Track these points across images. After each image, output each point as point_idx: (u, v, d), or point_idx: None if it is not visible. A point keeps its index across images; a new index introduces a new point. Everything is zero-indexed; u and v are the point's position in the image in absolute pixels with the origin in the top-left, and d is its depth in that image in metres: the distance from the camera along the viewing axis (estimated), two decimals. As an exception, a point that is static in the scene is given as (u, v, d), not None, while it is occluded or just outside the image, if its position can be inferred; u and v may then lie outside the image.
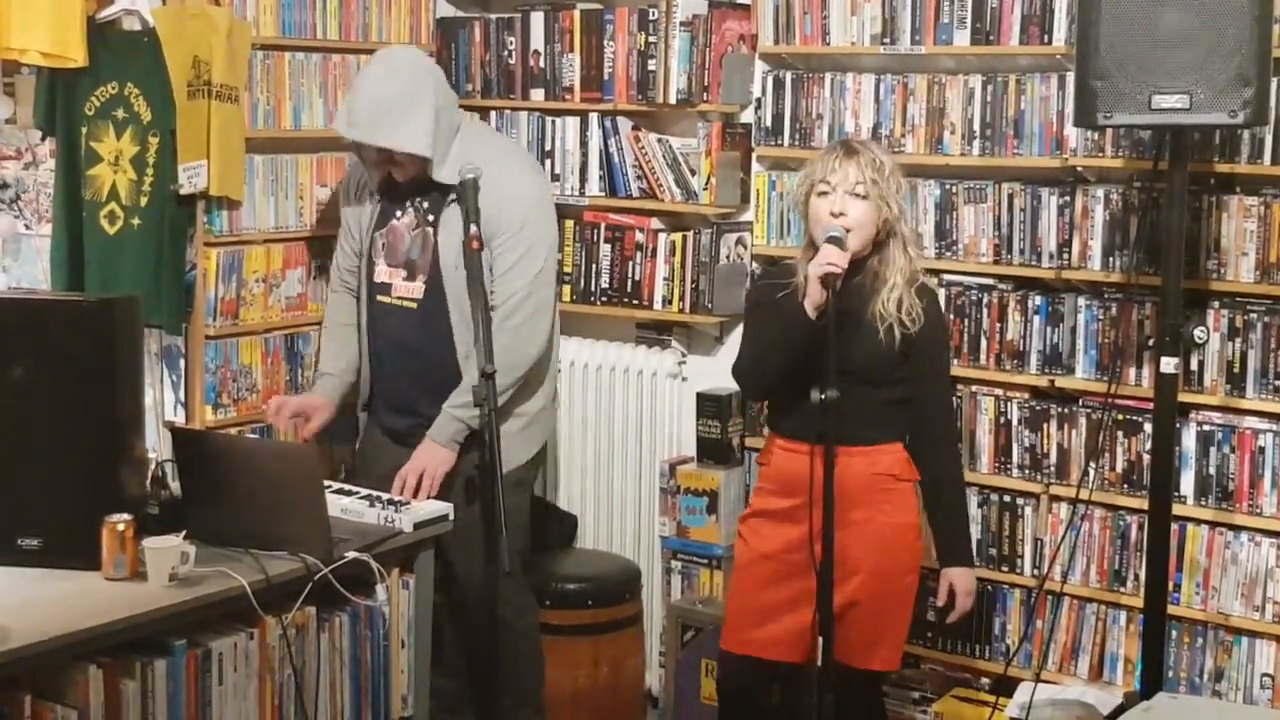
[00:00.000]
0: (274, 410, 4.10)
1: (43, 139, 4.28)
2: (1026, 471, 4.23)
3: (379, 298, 4.10)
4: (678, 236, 4.72)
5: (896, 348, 3.53)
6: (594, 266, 4.87)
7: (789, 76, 4.53)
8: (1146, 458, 3.97)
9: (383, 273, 4.09)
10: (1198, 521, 3.98)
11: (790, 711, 3.83)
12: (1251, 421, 3.92)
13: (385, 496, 3.67)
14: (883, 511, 3.56)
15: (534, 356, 4.00)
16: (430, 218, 4.03)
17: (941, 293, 4.23)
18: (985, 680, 4.30)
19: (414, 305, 4.04)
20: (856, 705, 3.70)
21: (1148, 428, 3.97)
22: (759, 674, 3.72)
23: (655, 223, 4.79)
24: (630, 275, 4.81)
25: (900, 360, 3.56)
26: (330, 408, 4.14)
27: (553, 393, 4.24)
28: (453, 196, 3.90)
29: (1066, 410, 4.16)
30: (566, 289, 4.89)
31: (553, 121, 4.92)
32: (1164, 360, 3.62)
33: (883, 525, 3.56)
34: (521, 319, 3.94)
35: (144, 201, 4.17)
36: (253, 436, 4.32)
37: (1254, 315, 3.90)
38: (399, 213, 4.08)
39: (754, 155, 4.69)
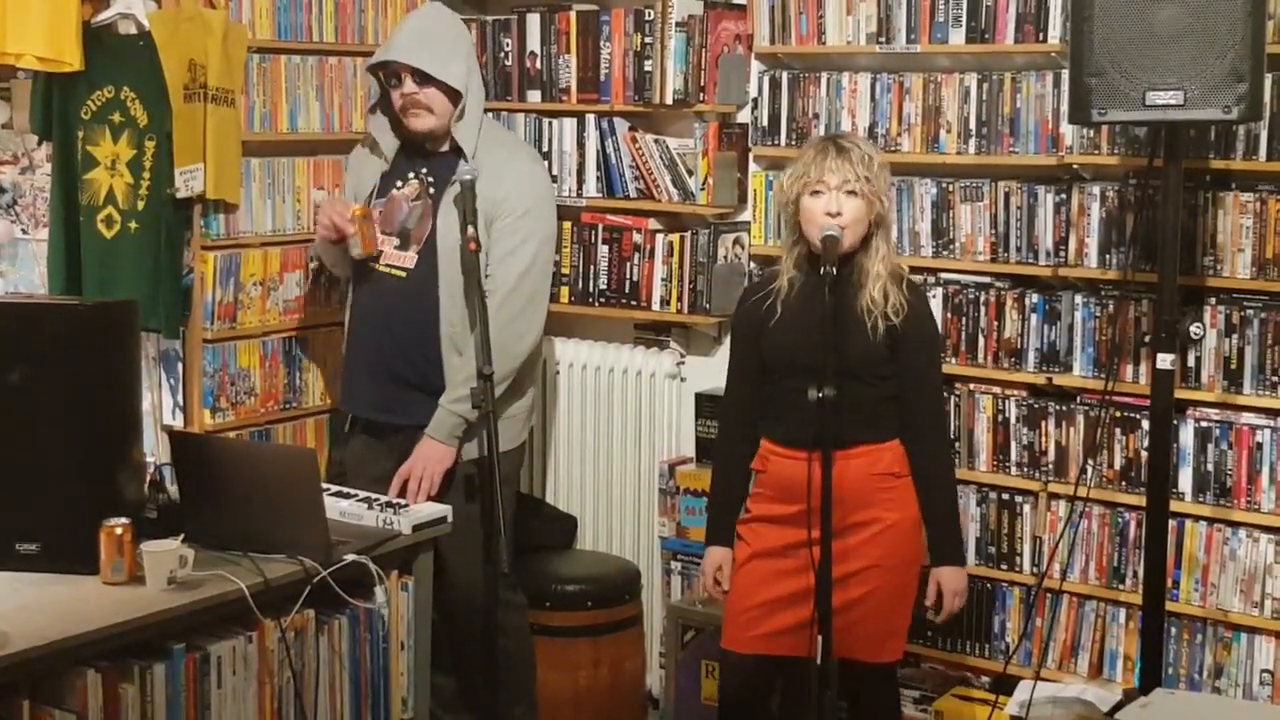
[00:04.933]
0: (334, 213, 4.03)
1: (39, 143, 4.29)
2: (1025, 469, 4.23)
3: (369, 264, 4.09)
4: (675, 237, 4.72)
5: (883, 341, 3.54)
6: (592, 267, 4.87)
7: (785, 76, 4.53)
8: (1144, 454, 3.96)
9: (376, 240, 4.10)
10: (1196, 518, 3.99)
11: (792, 711, 3.83)
12: (1249, 417, 3.92)
13: (383, 499, 3.67)
14: (886, 510, 3.56)
15: (527, 350, 4.00)
16: (433, 191, 4.03)
17: (939, 291, 4.25)
18: (985, 678, 4.30)
19: (403, 274, 4.03)
20: (874, 698, 3.72)
21: (1145, 424, 3.96)
22: (761, 673, 3.71)
23: (653, 223, 4.79)
24: (628, 276, 4.81)
25: (889, 355, 3.56)
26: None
27: (535, 394, 4.27)
28: (456, 180, 3.91)
29: (1064, 408, 4.16)
30: (564, 290, 4.89)
31: (549, 123, 4.92)
32: (1161, 357, 3.63)
33: (887, 523, 3.56)
34: (514, 310, 3.94)
35: (141, 205, 4.18)
36: (251, 440, 4.32)
37: (1250, 311, 3.90)
38: (400, 182, 4.09)
39: (751, 155, 4.69)
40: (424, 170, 4.06)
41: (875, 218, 3.56)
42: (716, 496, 3.87)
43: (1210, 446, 3.96)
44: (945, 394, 4.05)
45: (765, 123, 4.58)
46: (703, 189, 4.63)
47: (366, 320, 4.09)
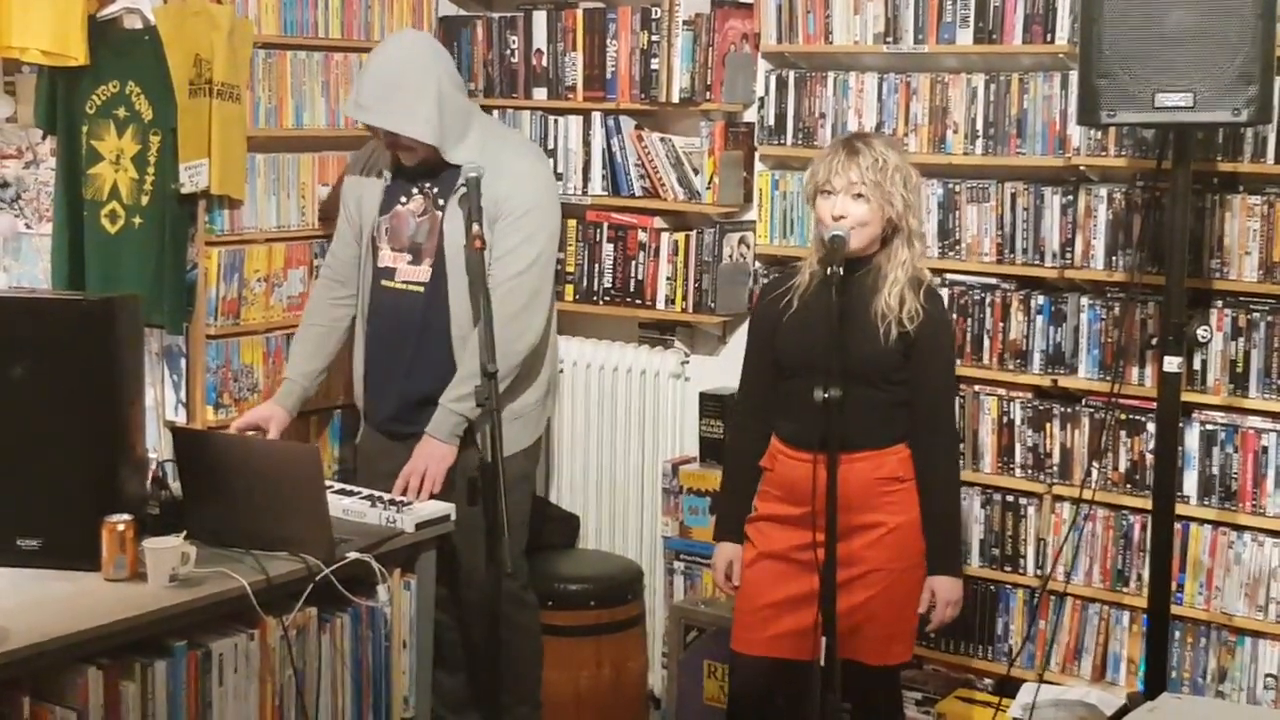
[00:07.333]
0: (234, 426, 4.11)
1: (43, 138, 4.28)
2: (1029, 471, 4.22)
3: (383, 282, 4.09)
4: (680, 236, 4.71)
5: (895, 346, 3.50)
6: (596, 266, 4.86)
7: (792, 75, 4.52)
8: (1149, 457, 3.96)
9: (387, 257, 4.08)
10: (1201, 521, 3.97)
11: (795, 713, 3.82)
12: (1254, 421, 3.91)
13: (387, 497, 3.66)
14: (889, 514, 3.54)
15: (528, 348, 3.98)
16: (440, 201, 4.02)
17: (945, 292, 4.23)
18: (988, 681, 4.29)
19: (420, 289, 4.03)
20: (876, 700, 3.70)
21: (1151, 427, 3.96)
22: (771, 674, 3.69)
23: (658, 222, 4.78)
24: (633, 275, 4.80)
25: (901, 361, 3.52)
26: (287, 419, 4.11)
27: (547, 388, 4.23)
28: (462, 182, 3.89)
29: (1069, 410, 4.15)
30: (569, 288, 4.88)
31: (555, 121, 4.91)
32: (1167, 360, 3.62)
33: (891, 526, 3.54)
34: (515, 308, 3.92)
35: (145, 200, 4.17)
36: (254, 437, 4.31)
37: (1257, 314, 3.89)
38: (404, 198, 4.08)
39: (757, 154, 4.68)
40: (427, 183, 4.05)
41: (888, 221, 3.53)
42: (727, 492, 3.85)
43: (1216, 450, 3.95)
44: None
45: (771, 122, 4.57)
46: (708, 188, 4.62)
47: (386, 336, 4.08)
